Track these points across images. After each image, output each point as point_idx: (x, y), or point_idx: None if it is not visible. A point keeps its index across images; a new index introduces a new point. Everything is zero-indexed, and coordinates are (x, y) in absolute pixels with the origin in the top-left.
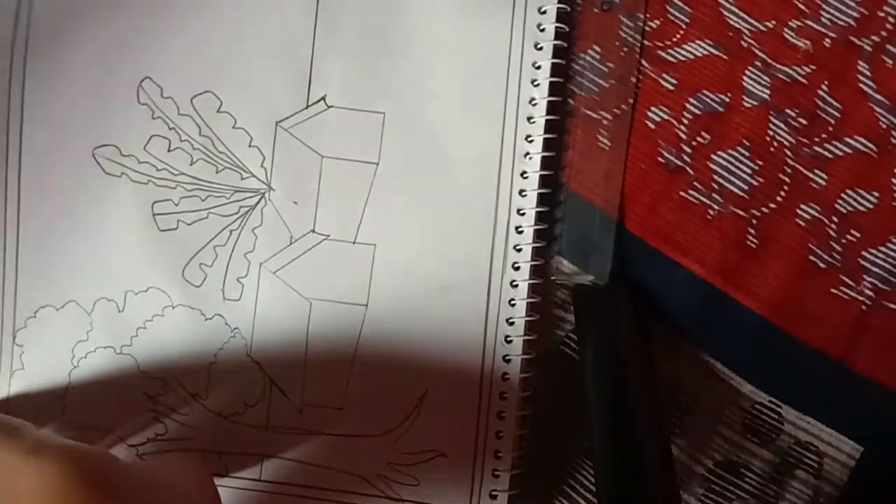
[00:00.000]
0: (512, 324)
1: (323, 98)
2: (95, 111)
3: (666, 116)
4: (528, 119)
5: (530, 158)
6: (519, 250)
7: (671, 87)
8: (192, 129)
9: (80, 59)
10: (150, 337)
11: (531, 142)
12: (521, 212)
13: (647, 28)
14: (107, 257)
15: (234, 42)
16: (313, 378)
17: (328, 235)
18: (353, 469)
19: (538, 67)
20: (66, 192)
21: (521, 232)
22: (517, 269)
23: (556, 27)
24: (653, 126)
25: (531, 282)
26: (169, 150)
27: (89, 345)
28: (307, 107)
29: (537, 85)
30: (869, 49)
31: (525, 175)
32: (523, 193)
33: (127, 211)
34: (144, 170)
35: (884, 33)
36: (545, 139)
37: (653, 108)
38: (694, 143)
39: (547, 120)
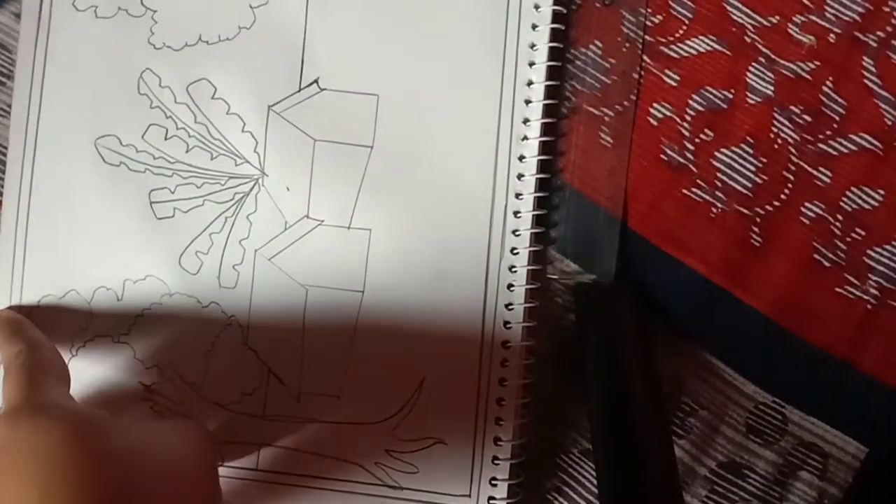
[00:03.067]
0: (511, 309)
1: (315, 81)
2: (99, 102)
3: (668, 113)
4: (526, 102)
5: (528, 142)
6: (517, 235)
7: (674, 84)
8: (188, 117)
9: (88, 52)
10: (148, 325)
11: (529, 125)
12: (520, 196)
13: (649, 23)
14: (106, 246)
15: (227, 26)
16: (310, 365)
17: (322, 221)
18: (351, 457)
19: (535, 49)
20: (70, 184)
21: (519, 216)
22: (516, 253)
23: (553, 9)
24: (655, 123)
25: (530, 267)
26: (166, 139)
27: (88, 333)
28: (300, 90)
29: (534, 67)
30: (874, 45)
31: (523, 159)
32: (521, 177)
33: (125, 200)
34: (142, 158)
35: (889, 29)
36: (543, 123)
37: (655, 105)
38: (697, 140)
39: (545, 104)
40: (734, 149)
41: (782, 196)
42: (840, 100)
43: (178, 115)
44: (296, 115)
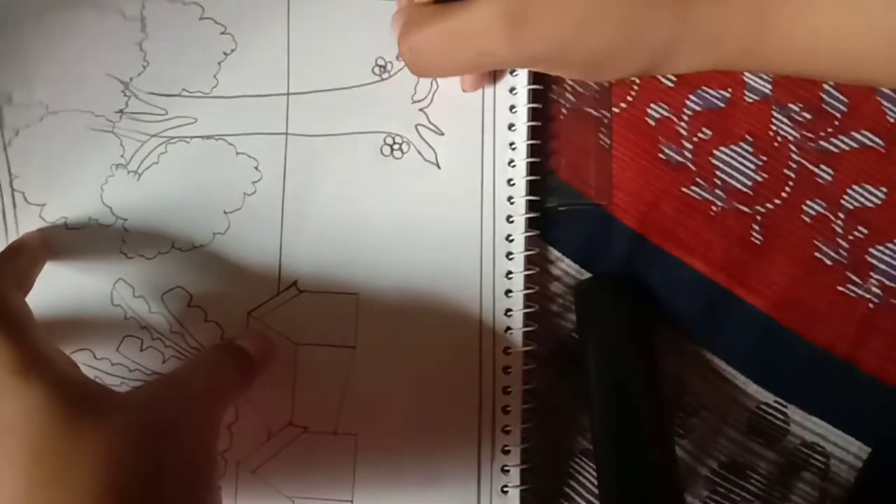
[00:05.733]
0: (511, 321)
1: (294, 283)
2: (73, 316)
3: (666, 113)
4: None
5: (512, 328)
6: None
7: (671, 84)
8: (164, 327)
9: (60, 265)
10: None
11: (511, 316)
12: (511, 237)
13: None
14: None
15: (202, 233)
16: None
17: (307, 427)
18: None
19: (511, 240)
20: None
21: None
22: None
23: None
24: (653, 123)
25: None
26: (141, 350)
27: None
28: (278, 293)
29: (512, 256)
30: None
31: (508, 351)
32: (507, 390)
33: None
34: (118, 372)
35: None
36: (523, 332)
37: (652, 105)
38: (695, 139)
39: (524, 315)
40: (733, 147)
41: (783, 194)
42: (841, 97)
43: (153, 325)
44: (276, 319)
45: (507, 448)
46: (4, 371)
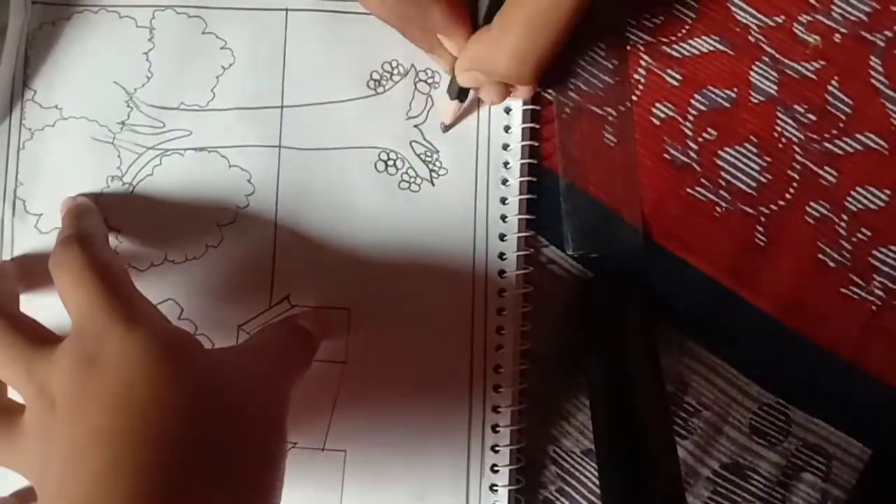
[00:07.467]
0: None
1: (286, 297)
2: (61, 326)
3: (671, 113)
4: (498, 311)
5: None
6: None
7: (675, 83)
8: None
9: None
10: None
11: (501, 350)
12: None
13: (652, 23)
14: None
15: (194, 245)
16: None
17: (295, 443)
18: None
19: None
20: None
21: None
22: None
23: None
24: (657, 122)
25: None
26: None
27: None
28: (270, 307)
29: (505, 276)
30: (882, 44)
31: (498, 389)
32: (497, 410)
33: None
34: None
35: None
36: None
37: (657, 104)
38: (700, 139)
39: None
40: (738, 148)
41: (787, 195)
42: (846, 99)
43: None
44: None
45: (496, 447)
46: (114, 321)
